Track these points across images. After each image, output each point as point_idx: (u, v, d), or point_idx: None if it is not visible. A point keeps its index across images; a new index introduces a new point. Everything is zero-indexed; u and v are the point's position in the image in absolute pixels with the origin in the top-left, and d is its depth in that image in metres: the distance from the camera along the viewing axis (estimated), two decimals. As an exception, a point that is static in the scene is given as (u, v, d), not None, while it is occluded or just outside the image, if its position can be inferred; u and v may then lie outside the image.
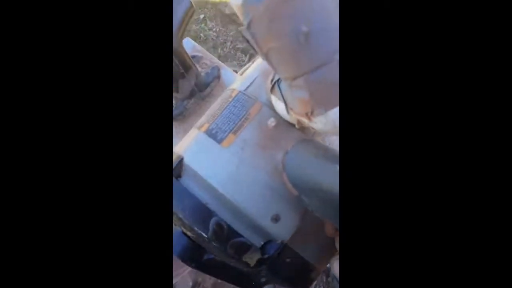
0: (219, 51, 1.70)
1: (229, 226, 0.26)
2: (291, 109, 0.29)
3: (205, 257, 0.29)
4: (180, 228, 0.29)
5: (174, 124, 0.57)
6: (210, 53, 1.75)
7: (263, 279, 0.33)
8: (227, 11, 1.80)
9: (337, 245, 0.32)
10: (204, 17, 1.81)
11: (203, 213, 0.27)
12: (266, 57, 0.26)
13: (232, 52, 1.69)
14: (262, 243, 0.27)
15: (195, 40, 1.84)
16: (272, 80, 0.33)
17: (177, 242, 0.29)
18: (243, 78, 0.37)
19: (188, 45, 0.64)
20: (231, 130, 0.31)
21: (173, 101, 0.57)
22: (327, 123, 0.26)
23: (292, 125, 0.32)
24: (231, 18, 1.77)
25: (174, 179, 0.29)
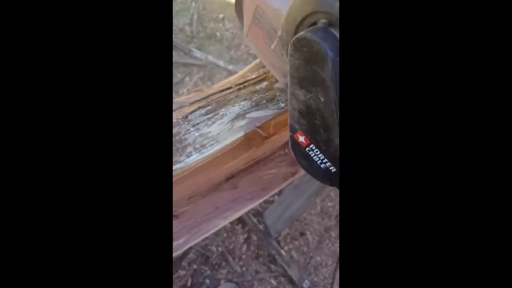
0: (231, 53, 1.66)
1: None
2: None
3: None
4: None
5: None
6: (223, 53, 1.72)
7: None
8: (247, 16, 1.77)
9: None
10: (224, 17, 1.78)
11: None
12: None
13: (244, 56, 1.65)
14: None
15: (210, 38, 1.81)
16: None
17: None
18: None
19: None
20: None
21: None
22: None
23: None
24: (250, 23, 1.73)
25: None
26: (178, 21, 1.77)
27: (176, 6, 1.82)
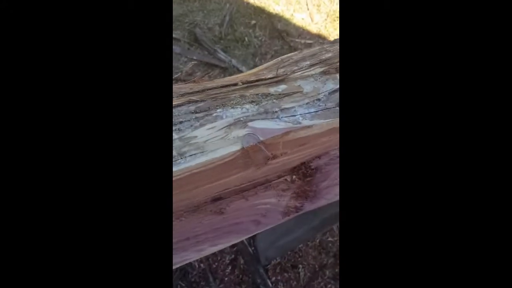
0: (256, 60, 1.54)
1: None
2: None
3: None
4: None
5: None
6: (248, 59, 1.61)
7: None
8: (279, 26, 1.65)
9: None
10: (255, 23, 1.66)
11: None
12: None
13: (269, 66, 1.53)
14: None
15: (237, 42, 1.71)
16: None
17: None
18: None
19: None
20: None
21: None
22: None
23: None
24: (280, 34, 1.62)
25: None
26: (209, 20, 1.66)
27: (209, 5, 1.72)
